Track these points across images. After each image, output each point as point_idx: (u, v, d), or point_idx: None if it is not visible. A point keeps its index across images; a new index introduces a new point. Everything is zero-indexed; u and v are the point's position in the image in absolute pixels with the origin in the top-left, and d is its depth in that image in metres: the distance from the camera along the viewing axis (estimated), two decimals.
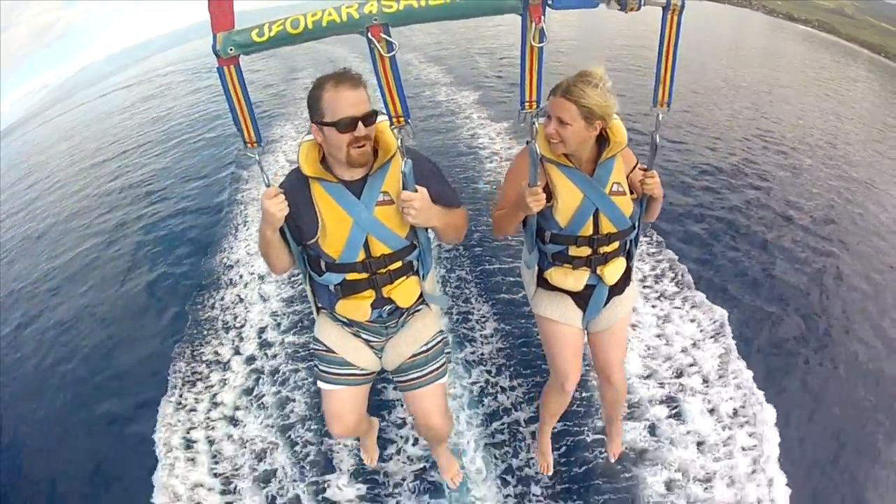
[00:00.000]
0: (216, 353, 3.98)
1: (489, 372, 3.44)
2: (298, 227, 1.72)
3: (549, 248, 1.95)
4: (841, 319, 4.19)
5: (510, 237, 4.48)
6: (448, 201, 1.78)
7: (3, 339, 4.93)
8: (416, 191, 1.62)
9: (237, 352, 3.95)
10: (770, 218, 5.66)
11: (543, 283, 2.06)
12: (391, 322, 1.90)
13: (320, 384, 1.97)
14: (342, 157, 1.61)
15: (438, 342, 1.99)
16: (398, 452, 2.96)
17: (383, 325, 1.90)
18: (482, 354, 3.59)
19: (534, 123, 1.59)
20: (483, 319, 3.91)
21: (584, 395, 3.17)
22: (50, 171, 11.99)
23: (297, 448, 3.06)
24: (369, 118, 1.56)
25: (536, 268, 2.04)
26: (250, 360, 3.84)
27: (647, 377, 3.36)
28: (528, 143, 1.67)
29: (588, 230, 1.87)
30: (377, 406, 3.13)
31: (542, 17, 1.33)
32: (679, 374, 3.37)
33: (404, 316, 1.92)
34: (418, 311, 1.95)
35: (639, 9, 1.39)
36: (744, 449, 2.89)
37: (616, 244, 1.93)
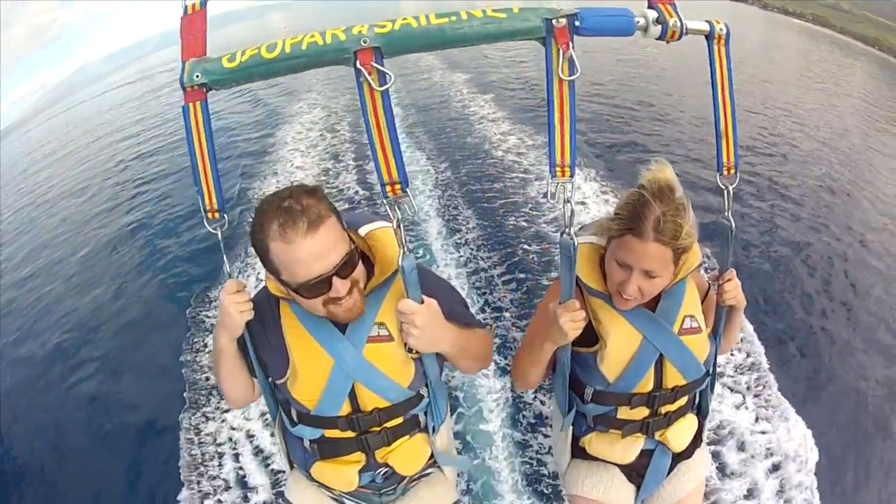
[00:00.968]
0: None
1: None
2: (262, 360, 1.32)
3: (591, 408, 1.46)
4: None
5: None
6: (465, 319, 1.34)
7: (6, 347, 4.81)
8: (421, 301, 1.19)
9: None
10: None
11: (579, 451, 1.56)
12: (387, 489, 1.44)
13: None
14: (322, 315, 1.21)
15: None
16: None
17: (377, 493, 1.45)
18: None
19: (568, 202, 1.15)
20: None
21: None
22: (48, 175, 11.88)
23: None
24: (345, 269, 1.14)
25: (571, 430, 1.54)
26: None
27: None
28: (561, 236, 1.20)
29: (647, 385, 1.39)
30: None
31: (571, 44, 1.07)
32: None
33: (406, 481, 1.46)
34: (426, 475, 1.48)
35: (680, 38, 1.14)
36: None
37: (684, 400, 1.46)
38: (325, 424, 1.31)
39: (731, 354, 3.53)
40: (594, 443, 1.51)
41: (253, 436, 3.33)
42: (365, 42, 1.09)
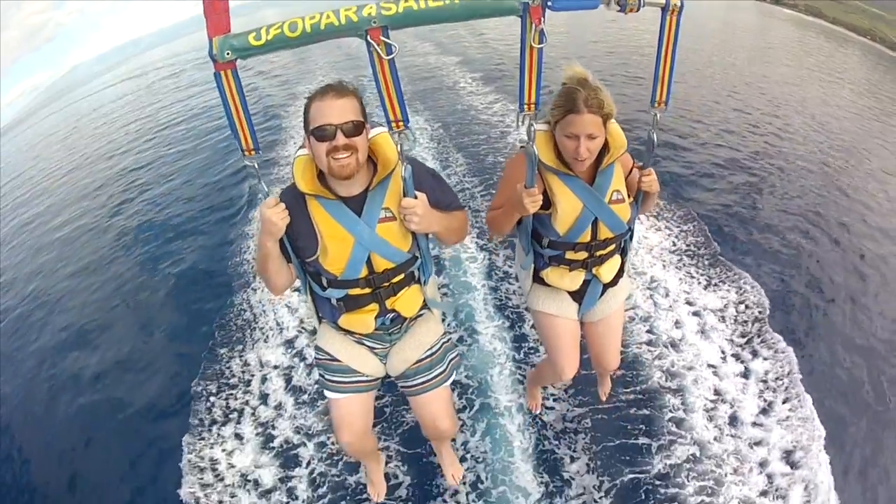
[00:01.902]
0: (244, 363, 3.90)
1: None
2: (297, 245, 1.69)
3: (546, 251, 1.97)
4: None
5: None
6: (448, 204, 1.77)
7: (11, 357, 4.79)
8: (415, 197, 1.61)
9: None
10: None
11: (539, 280, 2.10)
12: (394, 329, 1.90)
13: (327, 393, 1.96)
14: (324, 168, 1.57)
15: (442, 345, 1.99)
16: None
17: (387, 333, 1.89)
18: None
19: (531, 125, 1.58)
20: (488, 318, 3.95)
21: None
22: (45, 176, 11.78)
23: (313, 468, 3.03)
24: (349, 127, 1.51)
25: (532, 266, 2.06)
26: (278, 369, 3.77)
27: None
28: (524, 145, 1.67)
29: (586, 237, 1.90)
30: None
31: (542, 19, 1.33)
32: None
33: (407, 322, 1.91)
34: (420, 316, 1.94)
35: (638, 10, 1.40)
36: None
37: (612, 246, 1.97)
38: (349, 286, 1.72)
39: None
40: (550, 275, 2.04)
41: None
42: (374, 22, 1.34)
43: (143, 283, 5.43)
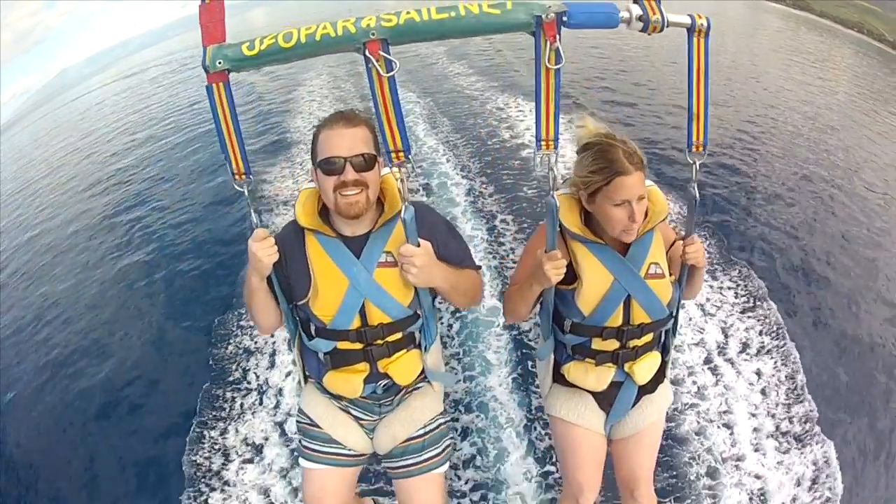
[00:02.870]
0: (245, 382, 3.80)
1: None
2: (289, 284, 1.55)
3: (569, 338, 1.68)
4: None
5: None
6: (459, 261, 1.58)
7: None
8: (418, 244, 1.43)
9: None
10: None
11: (560, 377, 1.78)
12: (386, 399, 1.68)
13: (302, 462, 1.73)
14: (331, 205, 1.45)
15: (439, 425, 1.74)
16: None
17: (377, 403, 1.68)
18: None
19: (552, 170, 1.36)
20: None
21: None
22: (38, 181, 11.67)
23: None
24: (360, 161, 1.39)
25: (552, 358, 1.76)
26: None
27: None
28: (547, 198, 1.42)
29: (617, 320, 1.60)
30: None
31: (558, 36, 1.21)
32: None
33: (401, 394, 1.70)
34: (418, 388, 1.71)
35: (662, 30, 1.28)
36: None
37: (649, 336, 1.66)
38: (338, 337, 1.54)
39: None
40: (572, 371, 1.72)
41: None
42: (373, 35, 1.22)
43: (145, 290, 5.37)
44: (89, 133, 15.00)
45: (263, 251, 1.41)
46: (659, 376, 1.78)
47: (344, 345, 1.56)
